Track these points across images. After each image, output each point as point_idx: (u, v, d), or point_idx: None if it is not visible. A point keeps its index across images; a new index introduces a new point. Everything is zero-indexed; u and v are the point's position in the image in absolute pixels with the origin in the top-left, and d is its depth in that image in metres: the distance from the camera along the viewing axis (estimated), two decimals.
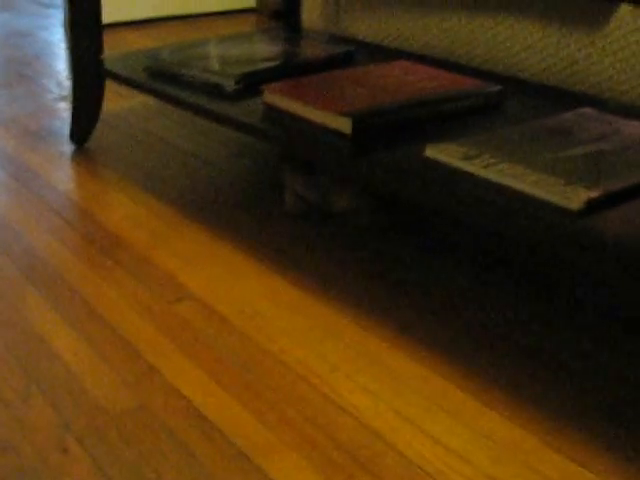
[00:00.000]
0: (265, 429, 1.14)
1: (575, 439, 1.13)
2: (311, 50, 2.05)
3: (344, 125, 1.54)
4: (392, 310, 1.44)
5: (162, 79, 1.91)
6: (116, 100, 2.63)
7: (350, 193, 1.80)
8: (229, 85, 1.82)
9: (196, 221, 1.79)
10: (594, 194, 1.22)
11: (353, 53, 2.05)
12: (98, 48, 2.08)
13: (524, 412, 1.18)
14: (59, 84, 2.76)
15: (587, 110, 1.61)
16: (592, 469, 1.08)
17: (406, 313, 1.43)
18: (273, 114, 1.67)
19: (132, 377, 1.25)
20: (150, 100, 2.62)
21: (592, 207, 1.22)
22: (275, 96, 1.70)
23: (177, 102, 1.81)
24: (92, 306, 1.44)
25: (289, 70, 1.91)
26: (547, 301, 1.47)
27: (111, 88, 2.70)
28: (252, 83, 1.84)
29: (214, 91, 1.83)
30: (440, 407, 1.19)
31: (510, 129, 1.50)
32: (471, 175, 1.34)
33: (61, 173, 2.04)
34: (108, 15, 3.42)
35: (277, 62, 1.93)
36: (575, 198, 1.21)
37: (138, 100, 2.62)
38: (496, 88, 1.70)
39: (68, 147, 2.20)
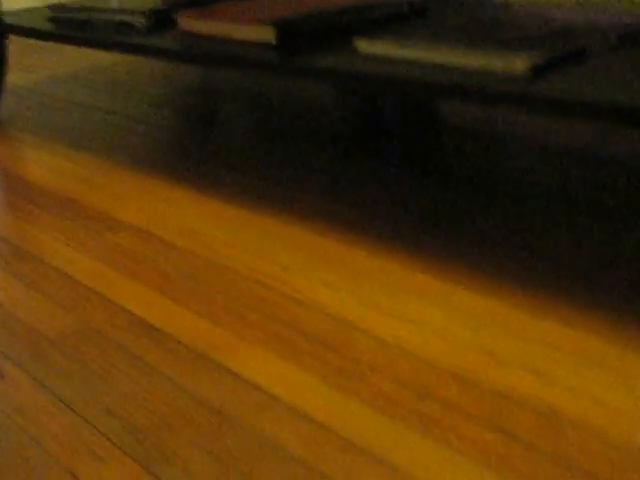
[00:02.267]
0: (223, 331, 1.01)
1: (554, 301, 1.02)
2: None
3: (268, 34, 1.41)
4: (341, 214, 1.32)
5: (71, 26, 1.76)
6: (21, 75, 2.47)
7: None
8: (140, 22, 1.68)
9: (123, 167, 1.65)
10: (538, 59, 1.12)
11: None
12: None
13: (493, 284, 1.07)
14: None
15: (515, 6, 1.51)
16: (577, 326, 0.97)
17: (356, 215, 1.31)
18: (191, 39, 1.54)
19: (70, 301, 1.10)
20: (59, 69, 2.46)
21: (537, 71, 1.11)
22: (191, 21, 1.57)
23: (93, 43, 1.66)
24: (22, 248, 1.29)
25: (199, 3, 1.79)
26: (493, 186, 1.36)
27: (14, 64, 2.54)
28: (163, 19, 1.70)
29: (126, 30, 1.68)
30: (406, 292, 1.07)
31: (440, 25, 1.38)
32: (409, 60, 1.21)
33: None
34: None
35: None
36: (520, 63, 1.10)
37: (44, 73, 2.46)
38: None
39: None
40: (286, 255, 1.20)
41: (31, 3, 3.31)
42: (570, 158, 1.52)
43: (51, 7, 1.87)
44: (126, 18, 1.72)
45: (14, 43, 3.03)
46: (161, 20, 1.70)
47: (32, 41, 3.00)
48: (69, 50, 2.87)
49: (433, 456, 0.78)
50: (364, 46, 1.28)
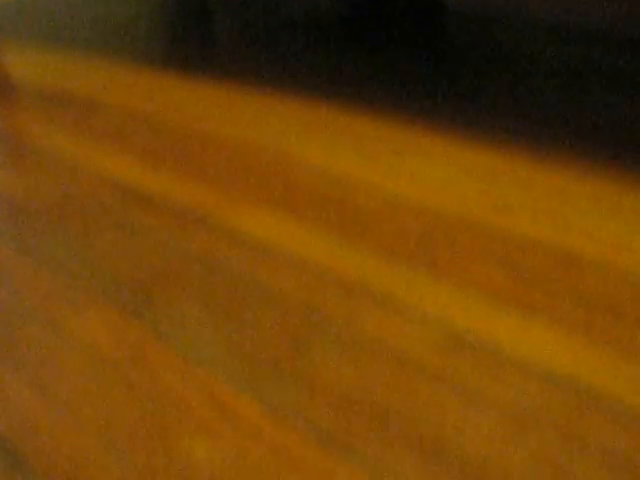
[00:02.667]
0: (215, 193, 0.93)
1: (562, 155, 0.95)
2: None
3: None
4: (340, 89, 1.24)
5: None
6: None
7: None
8: None
9: (110, 59, 1.57)
10: None
11: None
12: None
13: (499, 142, 1.00)
14: None
15: None
16: (592, 177, 0.90)
17: (355, 89, 1.23)
18: None
19: (52, 177, 1.03)
20: None
21: None
22: None
23: None
24: (3, 130, 1.21)
25: None
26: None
27: None
28: None
29: None
30: (408, 152, 0.99)
31: None
32: None
33: None
34: None
35: None
36: None
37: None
38: None
39: None
40: (282, 125, 1.13)
41: None
42: (575, 37, 1.44)
43: None
44: None
45: None
46: None
47: None
48: None
49: (443, 296, 0.72)
50: None
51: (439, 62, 1.32)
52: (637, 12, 1.41)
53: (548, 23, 1.49)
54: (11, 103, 1.33)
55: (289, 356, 0.65)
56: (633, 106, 1.10)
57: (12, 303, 0.76)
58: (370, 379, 0.62)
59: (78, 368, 0.65)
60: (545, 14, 1.54)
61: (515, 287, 0.72)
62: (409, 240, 0.81)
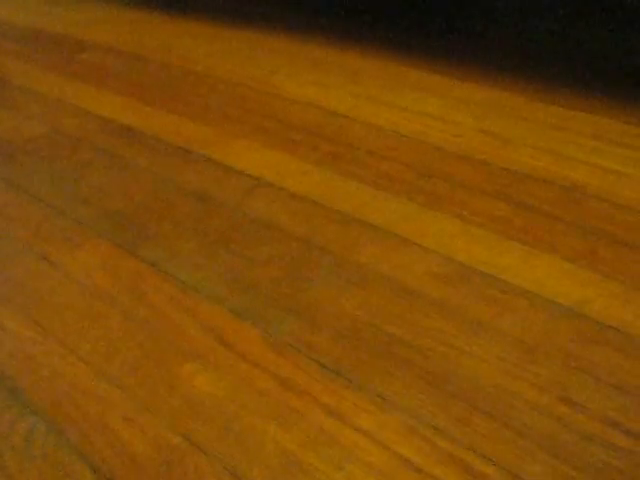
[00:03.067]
0: (205, 127, 0.91)
1: (560, 89, 0.92)
2: None
3: None
4: (330, 26, 1.21)
5: None
6: None
7: None
8: None
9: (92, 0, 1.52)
10: None
11: None
12: None
13: (495, 76, 0.97)
14: None
15: None
16: (592, 111, 0.88)
17: (346, 26, 1.20)
18: None
19: (38, 113, 1.00)
20: None
21: None
22: None
23: None
24: None
25: None
26: None
27: None
28: None
29: None
30: (402, 85, 0.97)
31: None
32: None
33: None
34: None
35: None
36: None
37: None
38: None
39: None
40: (269, 61, 1.10)
41: None
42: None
43: None
44: None
45: None
46: None
47: None
48: None
49: (443, 227, 0.69)
50: None
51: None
52: None
53: None
54: None
55: (288, 286, 0.63)
56: (628, 40, 1.08)
57: (4, 240, 0.74)
58: (371, 309, 0.60)
59: (74, 303, 0.63)
60: None
61: (517, 219, 0.71)
62: (407, 174, 0.79)
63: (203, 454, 0.48)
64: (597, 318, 0.59)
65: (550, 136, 0.83)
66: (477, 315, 0.59)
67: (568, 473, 0.45)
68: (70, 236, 0.73)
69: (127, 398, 0.53)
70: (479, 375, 0.54)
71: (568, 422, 0.49)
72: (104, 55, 1.17)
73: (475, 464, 0.46)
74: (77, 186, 0.82)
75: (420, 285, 0.63)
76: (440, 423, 0.49)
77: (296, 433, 0.49)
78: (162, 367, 0.57)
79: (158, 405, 0.52)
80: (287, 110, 0.93)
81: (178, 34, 1.20)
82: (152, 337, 0.60)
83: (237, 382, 0.54)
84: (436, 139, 0.84)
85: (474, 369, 0.54)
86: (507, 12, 1.16)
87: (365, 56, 1.05)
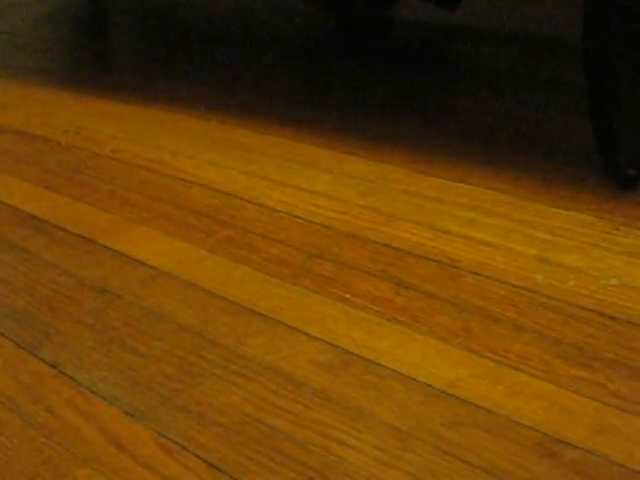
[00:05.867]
0: (107, 214, 0.91)
1: (443, 163, 0.94)
2: None
3: None
4: (227, 97, 1.22)
5: None
6: None
7: None
8: None
9: (7, 79, 1.51)
10: None
11: None
12: None
13: (386, 151, 0.98)
14: None
15: None
16: (467, 181, 0.89)
17: (241, 100, 1.21)
18: None
19: None
20: None
21: None
22: None
23: None
24: None
25: None
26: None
27: None
28: None
29: None
30: (296, 162, 0.98)
31: None
32: None
33: None
34: None
35: None
36: None
37: None
38: None
39: None
40: (171, 141, 1.10)
41: None
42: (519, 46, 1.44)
43: None
44: None
45: None
46: None
47: None
48: None
49: (327, 312, 0.70)
50: None
51: (320, 73, 1.30)
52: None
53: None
54: None
55: (180, 382, 0.64)
56: (513, 108, 1.10)
57: None
58: (257, 402, 0.61)
59: None
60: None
61: (398, 299, 0.72)
62: (296, 256, 0.79)
63: None
64: (468, 399, 0.60)
65: (429, 209, 0.85)
66: (357, 403, 0.60)
67: None
68: None
69: None
70: (356, 467, 0.55)
71: None
72: (15, 139, 1.17)
73: None
74: None
75: (304, 375, 0.64)
76: None
77: None
78: (59, 474, 0.57)
79: None
80: (186, 194, 0.93)
81: (87, 114, 1.20)
82: (51, 443, 0.59)
83: None
84: (324, 218, 0.85)
85: (352, 461, 0.55)
86: (389, 84, 1.18)
87: (261, 132, 1.06)
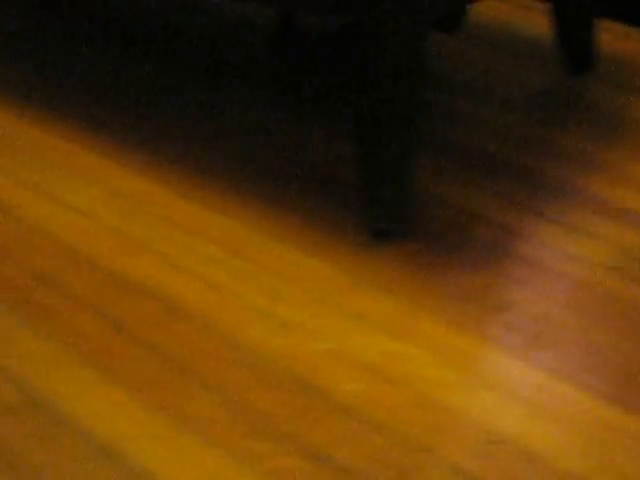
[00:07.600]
0: None
1: (211, 190, 0.92)
2: None
3: None
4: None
5: None
6: None
7: None
8: None
9: None
10: None
11: None
12: None
13: (161, 169, 0.95)
14: None
15: None
16: (227, 214, 0.88)
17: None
18: None
19: None
20: None
21: None
22: None
23: None
24: None
25: None
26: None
27: None
28: None
29: None
30: (70, 172, 0.94)
31: None
32: None
33: None
34: None
35: None
36: None
37: None
38: None
39: None
40: None
41: None
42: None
43: None
44: None
45: None
46: None
47: None
48: None
49: (31, 349, 0.68)
50: None
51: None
52: None
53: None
54: None
55: None
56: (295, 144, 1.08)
57: None
58: None
59: None
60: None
61: (101, 338, 0.70)
62: (19, 279, 0.76)
63: None
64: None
65: (180, 242, 0.84)
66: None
67: None
68: None
69: None
70: None
71: None
72: None
73: None
74: None
75: None
76: None
77: None
78: None
79: None
80: None
81: None
82: None
83: None
84: (69, 237, 0.82)
85: None
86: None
87: (48, 135, 1.02)
